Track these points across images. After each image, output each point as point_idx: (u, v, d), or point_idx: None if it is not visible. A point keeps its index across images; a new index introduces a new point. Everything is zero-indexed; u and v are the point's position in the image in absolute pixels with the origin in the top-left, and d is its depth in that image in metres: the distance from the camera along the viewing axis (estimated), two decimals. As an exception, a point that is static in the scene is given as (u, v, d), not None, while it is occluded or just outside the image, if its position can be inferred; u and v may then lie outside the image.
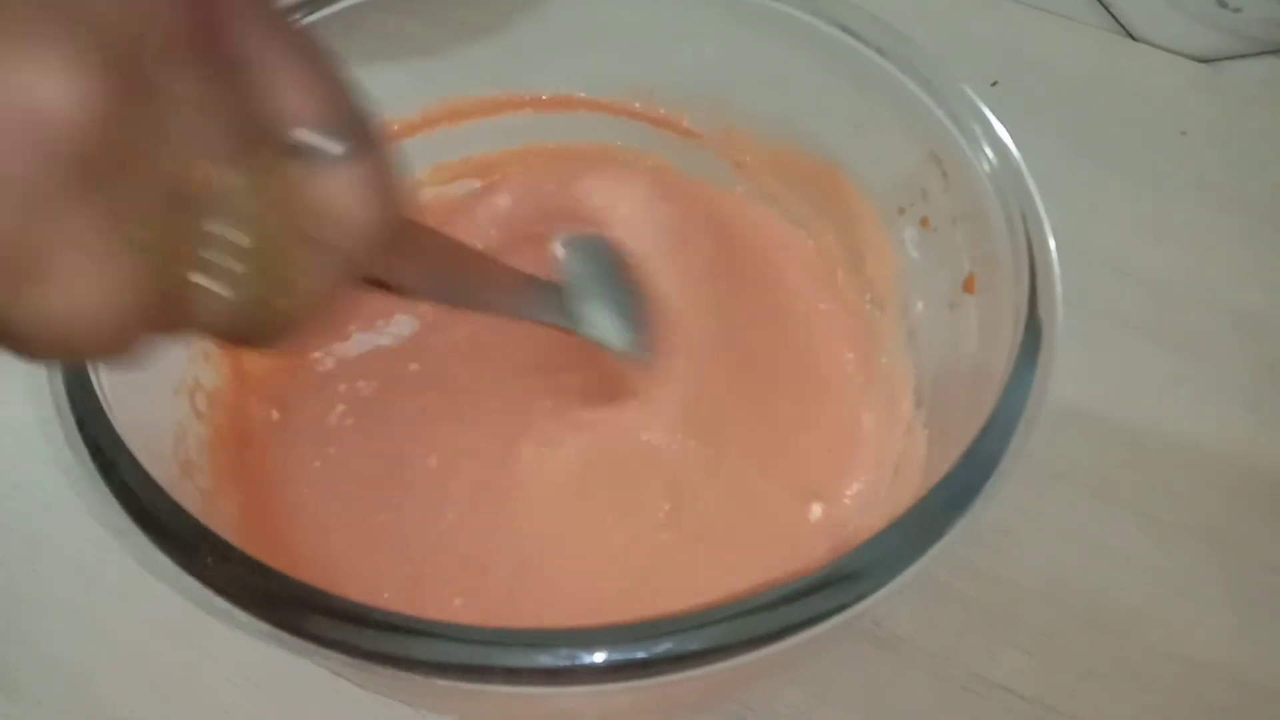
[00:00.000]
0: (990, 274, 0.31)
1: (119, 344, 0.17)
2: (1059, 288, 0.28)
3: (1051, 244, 0.29)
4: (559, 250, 0.36)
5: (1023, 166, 0.31)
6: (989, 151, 0.32)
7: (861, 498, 0.35)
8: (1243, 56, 0.53)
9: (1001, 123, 0.33)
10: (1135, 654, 0.36)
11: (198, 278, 0.18)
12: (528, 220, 0.41)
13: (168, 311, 0.17)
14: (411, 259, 0.25)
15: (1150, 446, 0.40)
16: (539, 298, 0.33)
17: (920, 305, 0.35)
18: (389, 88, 0.40)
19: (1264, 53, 0.53)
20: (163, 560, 0.25)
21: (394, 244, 0.21)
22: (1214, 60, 0.53)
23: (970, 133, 0.33)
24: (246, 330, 0.19)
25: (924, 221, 0.35)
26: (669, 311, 0.37)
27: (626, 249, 0.38)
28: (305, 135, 0.18)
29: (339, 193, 0.19)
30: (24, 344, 0.17)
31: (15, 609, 0.37)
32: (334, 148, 0.19)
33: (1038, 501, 0.38)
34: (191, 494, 0.30)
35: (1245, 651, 0.36)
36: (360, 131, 0.19)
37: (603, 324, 0.34)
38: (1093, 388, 0.41)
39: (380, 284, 0.24)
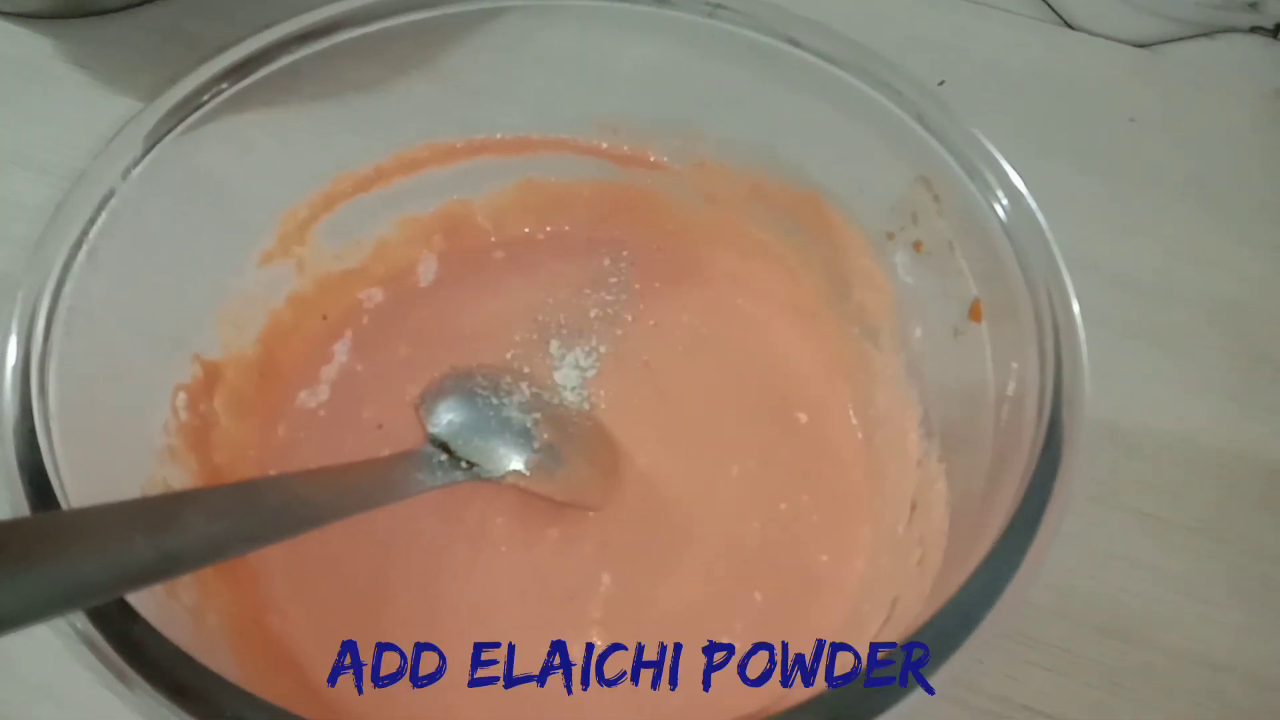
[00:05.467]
0: (1000, 302, 0.30)
1: None
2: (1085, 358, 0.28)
3: (1076, 306, 0.29)
4: (420, 409, 0.34)
5: (1031, 202, 0.31)
6: (986, 172, 0.31)
7: (874, 539, 0.34)
8: (1178, 40, 0.53)
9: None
10: (1156, 660, 0.36)
11: None
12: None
13: None
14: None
15: (1140, 446, 0.40)
16: (398, 477, 0.31)
17: (919, 333, 0.34)
18: (338, 140, 0.38)
19: (1197, 35, 0.53)
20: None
21: None
22: (1151, 45, 0.53)
23: (959, 152, 0.32)
24: None
25: (916, 245, 0.34)
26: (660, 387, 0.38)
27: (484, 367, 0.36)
28: None
29: None
30: None
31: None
32: None
33: (1040, 513, 0.38)
34: (179, 615, 0.27)
35: (1257, 651, 0.36)
36: None
37: (492, 460, 0.33)
38: (1077, 390, 0.41)
39: None
